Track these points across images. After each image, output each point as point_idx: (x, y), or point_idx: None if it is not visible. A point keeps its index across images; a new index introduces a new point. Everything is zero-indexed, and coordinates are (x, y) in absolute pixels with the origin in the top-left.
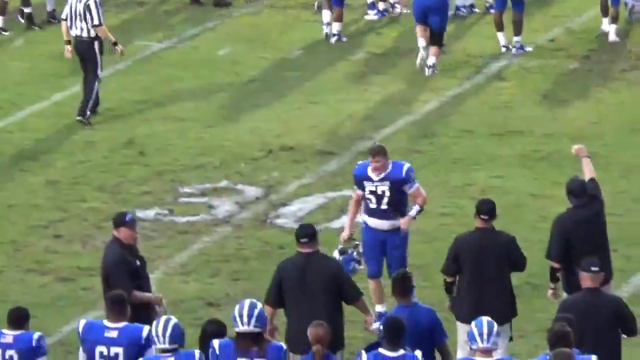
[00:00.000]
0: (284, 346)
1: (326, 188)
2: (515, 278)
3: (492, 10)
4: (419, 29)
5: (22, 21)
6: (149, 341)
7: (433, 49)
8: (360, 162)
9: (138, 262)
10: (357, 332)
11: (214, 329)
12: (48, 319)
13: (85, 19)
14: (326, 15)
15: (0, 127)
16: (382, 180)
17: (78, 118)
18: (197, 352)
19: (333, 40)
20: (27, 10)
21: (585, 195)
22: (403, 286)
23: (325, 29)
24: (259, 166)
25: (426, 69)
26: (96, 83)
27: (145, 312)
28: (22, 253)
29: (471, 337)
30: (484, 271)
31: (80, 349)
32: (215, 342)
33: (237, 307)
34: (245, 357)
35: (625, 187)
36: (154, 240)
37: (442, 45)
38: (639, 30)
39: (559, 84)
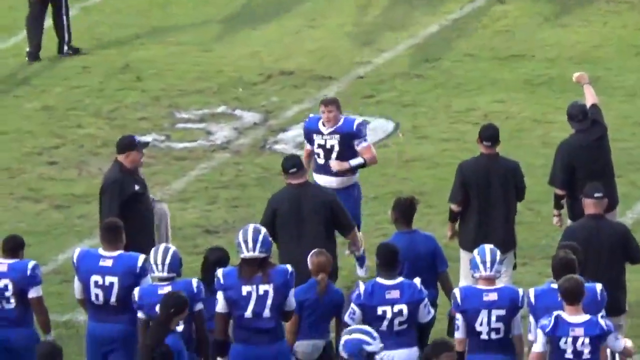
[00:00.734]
0: (290, 268)
1: None
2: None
3: None
4: None
5: None
6: (144, 270)
7: None
8: (311, 115)
9: (137, 187)
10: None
11: (217, 256)
12: (43, 247)
13: None
14: None
15: None
16: (331, 133)
17: (59, 55)
18: (194, 281)
19: None
20: None
21: (586, 119)
22: (409, 212)
23: None
24: (257, 91)
25: None
26: (64, 18)
27: (142, 240)
28: (16, 180)
29: (474, 265)
30: (489, 197)
31: (76, 277)
32: (219, 272)
33: (240, 233)
34: (249, 284)
35: (630, 112)
36: (151, 167)
37: None
38: None
39: (561, 7)
